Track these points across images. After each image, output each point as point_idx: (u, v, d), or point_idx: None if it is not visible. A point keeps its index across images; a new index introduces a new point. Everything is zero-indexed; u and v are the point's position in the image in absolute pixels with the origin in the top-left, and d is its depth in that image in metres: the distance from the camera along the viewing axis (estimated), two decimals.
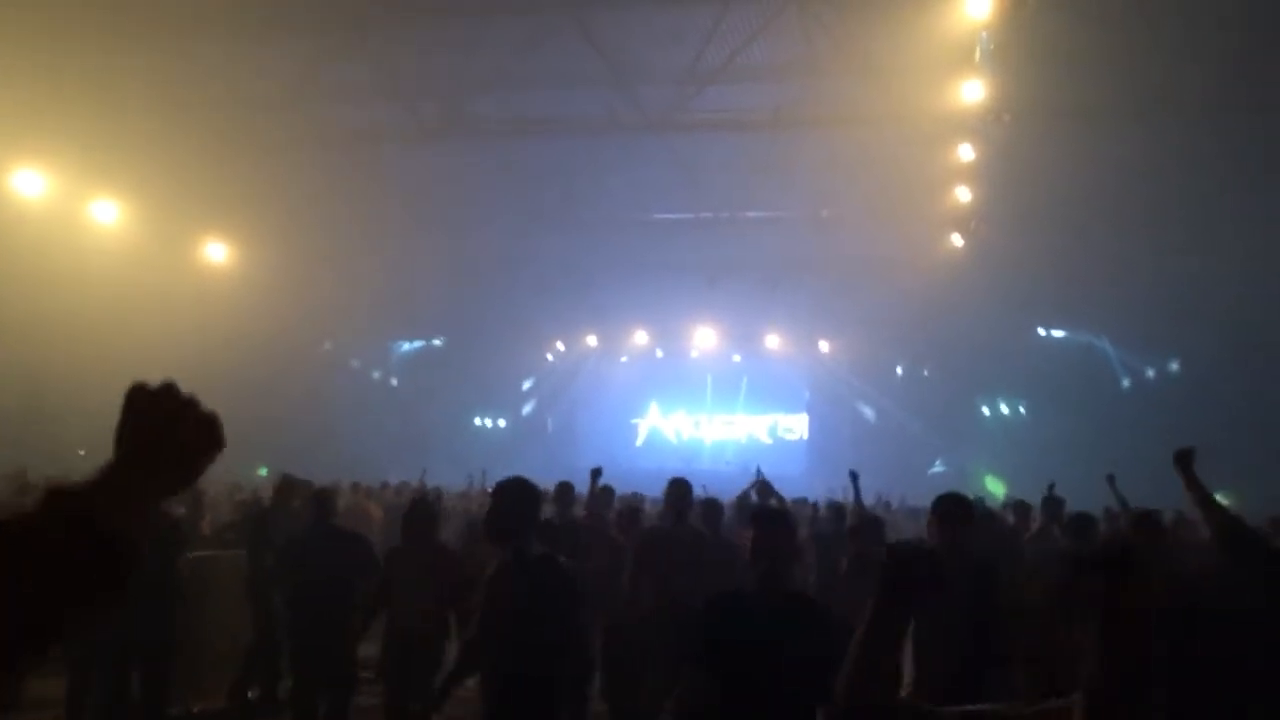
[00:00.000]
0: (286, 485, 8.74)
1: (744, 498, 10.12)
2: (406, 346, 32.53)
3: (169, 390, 1.27)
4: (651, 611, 6.53)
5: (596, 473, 8.13)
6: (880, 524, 7.66)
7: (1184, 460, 4.83)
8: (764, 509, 4.18)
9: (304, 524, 7.38)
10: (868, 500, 12.72)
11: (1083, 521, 7.00)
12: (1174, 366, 25.57)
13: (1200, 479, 4.80)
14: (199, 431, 1.27)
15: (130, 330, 17.62)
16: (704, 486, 11.14)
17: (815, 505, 13.21)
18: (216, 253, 19.98)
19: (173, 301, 18.87)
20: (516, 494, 4.58)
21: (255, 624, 8.09)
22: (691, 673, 3.67)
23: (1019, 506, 9.50)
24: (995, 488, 20.88)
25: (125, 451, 1.23)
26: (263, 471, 19.01)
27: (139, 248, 17.70)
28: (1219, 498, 4.89)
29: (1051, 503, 8.59)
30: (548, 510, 8.96)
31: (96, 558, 1.13)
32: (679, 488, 7.06)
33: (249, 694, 8.23)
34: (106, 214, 16.87)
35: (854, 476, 8.95)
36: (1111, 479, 8.03)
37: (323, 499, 7.30)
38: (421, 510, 6.70)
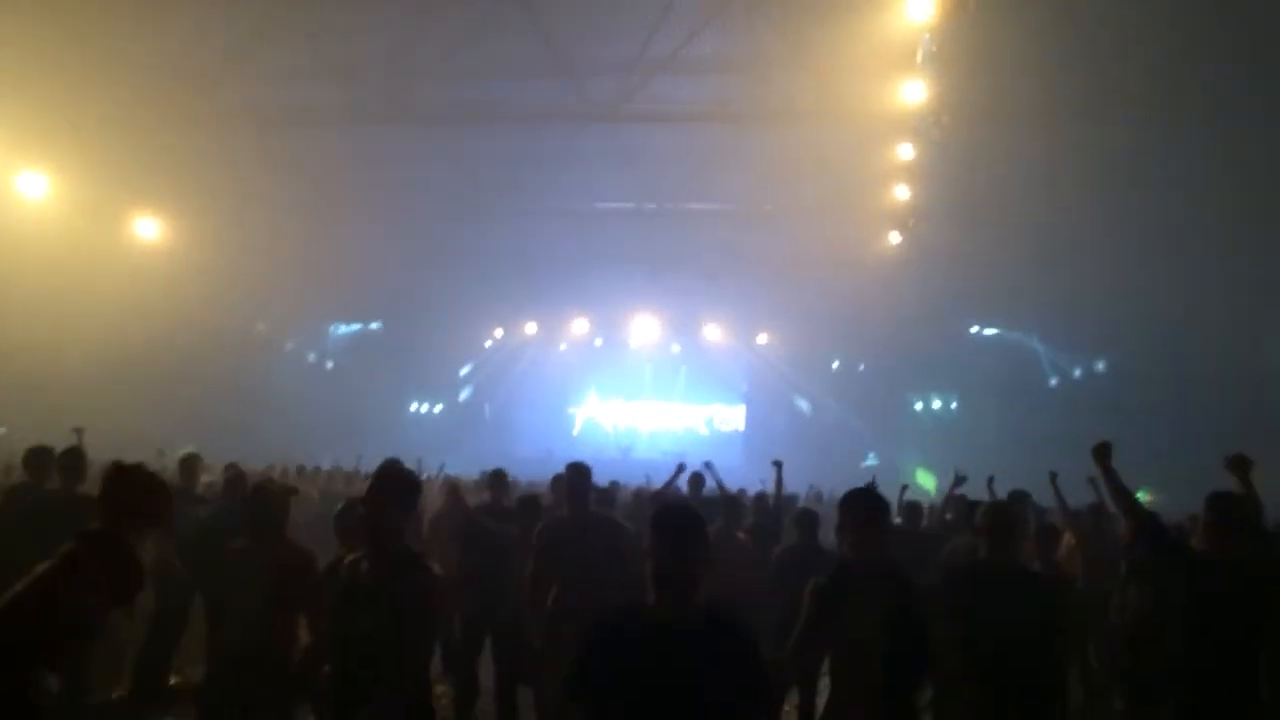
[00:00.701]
0: (192, 465, 8.37)
1: (669, 490, 9.13)
2: (343, 329, 32.07)
3: (139, 470, 2.28)
4: (553, 614, 5.91)
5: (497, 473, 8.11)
6: (815, 516, 7.75)
7: (1101, 453, 4.99)
8: (667, 509, 3.29)
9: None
10: (801, 492, 12.79)
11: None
12: (1100, 366, 26.27)
13: (1117, 472, 4.95)
14: (158, 501, 2.22)
15: (58, 310, 17.12)
16: (647, 476, 11.04)
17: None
18: (148, 230, 19.41)
19: (102, 281, 18.34)
20: (402, 487, 3.89)
21: (156, 608, 7.80)
22: (576, 708, 3.05)
23: (959, 501, 9.54)
24: (926, 481, 21.18)
25: (110, 512, 2.14)
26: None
27: (68, 224, 17.15)
28: (1142, 495, 5.04)
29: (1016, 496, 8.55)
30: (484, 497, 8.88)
31: (130, 566, 2.04)
32: (576, 473, 6.23)
33: (171, 680, 8.02)
34: (34, 188, 16.32)
35: (777, 465, 8.94)
36: (1054, 476, 8.14)
37: (233, 480, 7.11)
38: (259, 498, 5.10)
